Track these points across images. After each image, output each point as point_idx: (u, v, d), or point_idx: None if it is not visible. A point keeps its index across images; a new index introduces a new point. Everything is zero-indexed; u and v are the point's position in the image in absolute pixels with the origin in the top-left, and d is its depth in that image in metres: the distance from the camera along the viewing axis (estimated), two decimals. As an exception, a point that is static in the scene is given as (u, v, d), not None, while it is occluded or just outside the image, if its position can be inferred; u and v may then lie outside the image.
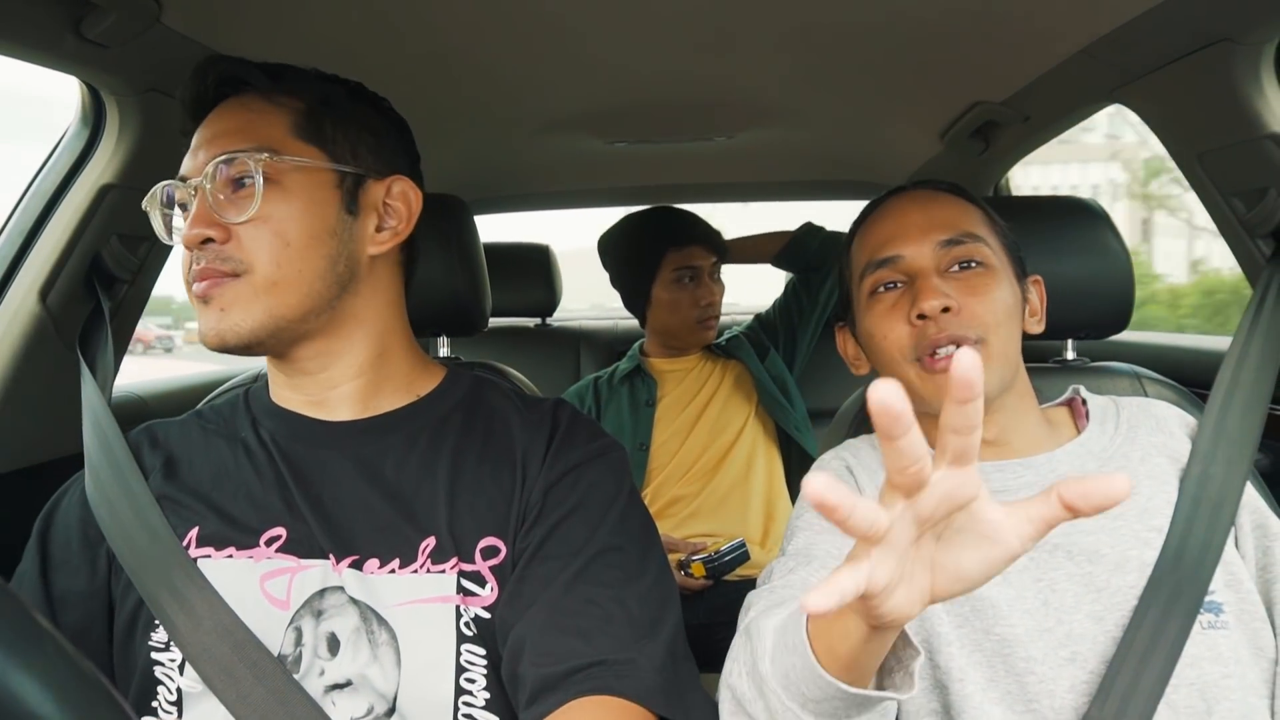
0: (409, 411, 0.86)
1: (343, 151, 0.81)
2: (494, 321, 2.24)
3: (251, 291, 0.76)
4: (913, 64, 1.32)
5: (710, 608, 1.58)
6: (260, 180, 0.75)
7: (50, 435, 1.16)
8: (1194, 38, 1.08)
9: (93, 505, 0.81)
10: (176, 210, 0.82)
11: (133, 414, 1.41)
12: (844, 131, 1.80)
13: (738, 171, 2.24)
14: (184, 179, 0.79)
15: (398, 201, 0.85)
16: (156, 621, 0.75)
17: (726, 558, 1.60)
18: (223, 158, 0.76)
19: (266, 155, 0.76)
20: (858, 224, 0.96)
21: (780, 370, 1.89)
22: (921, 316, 0.83)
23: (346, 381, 0.84)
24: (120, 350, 1.28)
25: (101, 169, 1.13)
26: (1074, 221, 1.08)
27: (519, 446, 0.83)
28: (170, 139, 1.15)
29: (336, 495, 0.80)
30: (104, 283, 1.17)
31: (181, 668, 0.74)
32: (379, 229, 0.83)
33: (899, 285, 0.87)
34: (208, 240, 0.75)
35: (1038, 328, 0.92)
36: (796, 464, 1.86)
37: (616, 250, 1.94)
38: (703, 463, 1.81)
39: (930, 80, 1.41)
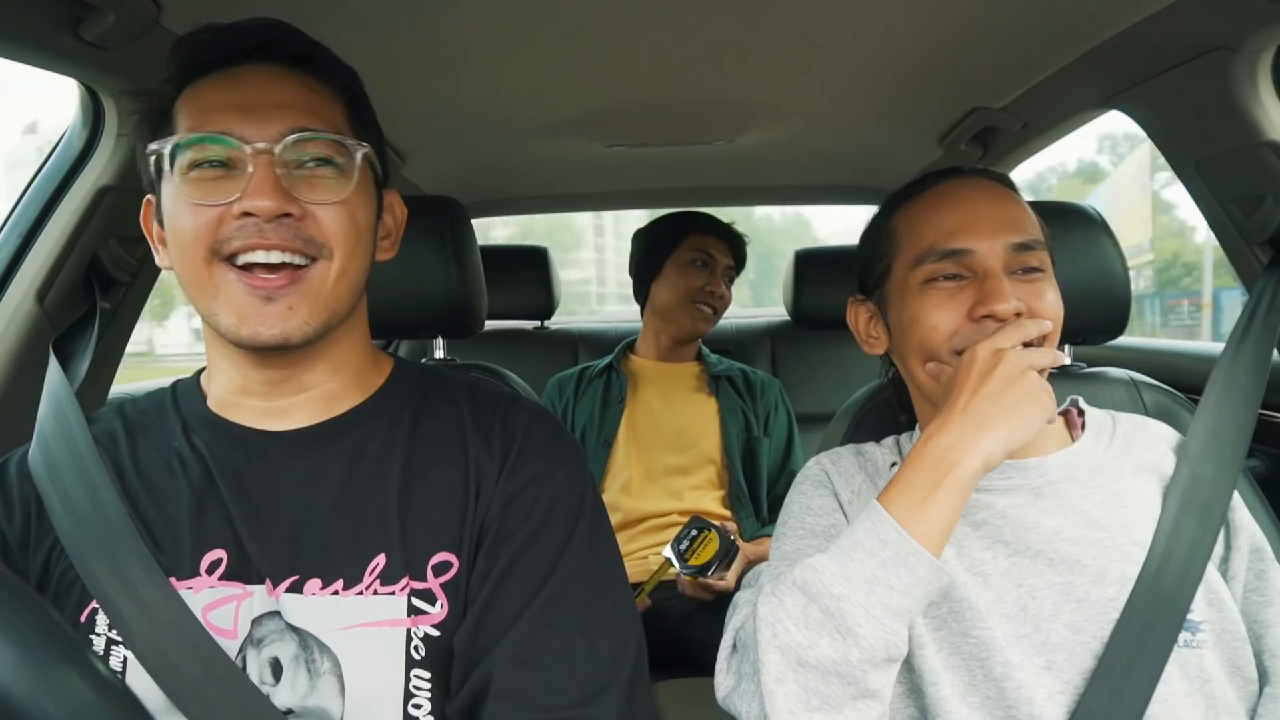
0: (358, 414, 0.80)
1: (377, 153, 0.79)
2: (492, 324, 2.25)
3: (323, 282, 0.72)
4: (911, 70, 1.33)
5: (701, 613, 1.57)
6: (358, 164, 0.74)
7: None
8: (1191, 45, 1.08)
9: (32, 466, 0.77)
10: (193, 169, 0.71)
11: None
12: (842, 136, 1.80)
13: (737, 175, 2.24)
14: (239, 138, 0.70)
15: (389, 215, 0.84)
16: (94, 606, 0.71)
17: (700, 551, 1.55)
18: (304, 133, 0.71)
19: (366, 148, 0.75)
20: (904, 199, 0.92)
21: (757, 450, 1.85)
22: (987, 316, 0.81)
23: (319, 385, 0.79)
24: (118, 350, 1.28)
25: (100, 170, 1.13)
26: (1070, 227, 1.08)
27: (471, 456, 0.78)
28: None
29: (275, 512, 0.74)
30: (102, 285, 1.17)
31: (107, 649, 0.69)
32: (383, 236, 0.83)
33: (961, 278, 0.85)
34: (285, 214, 0.70)
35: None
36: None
37: (645, 233, 1.99)
38: (665, 470, 1.81)
39: (929, 86, 1.41)
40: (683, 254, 1.88)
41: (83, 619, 0.71)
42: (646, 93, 1.46)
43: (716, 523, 1.58)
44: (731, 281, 1.94)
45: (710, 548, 1.53)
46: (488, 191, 2.26)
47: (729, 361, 1.98)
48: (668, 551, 1.54)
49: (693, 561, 1.52)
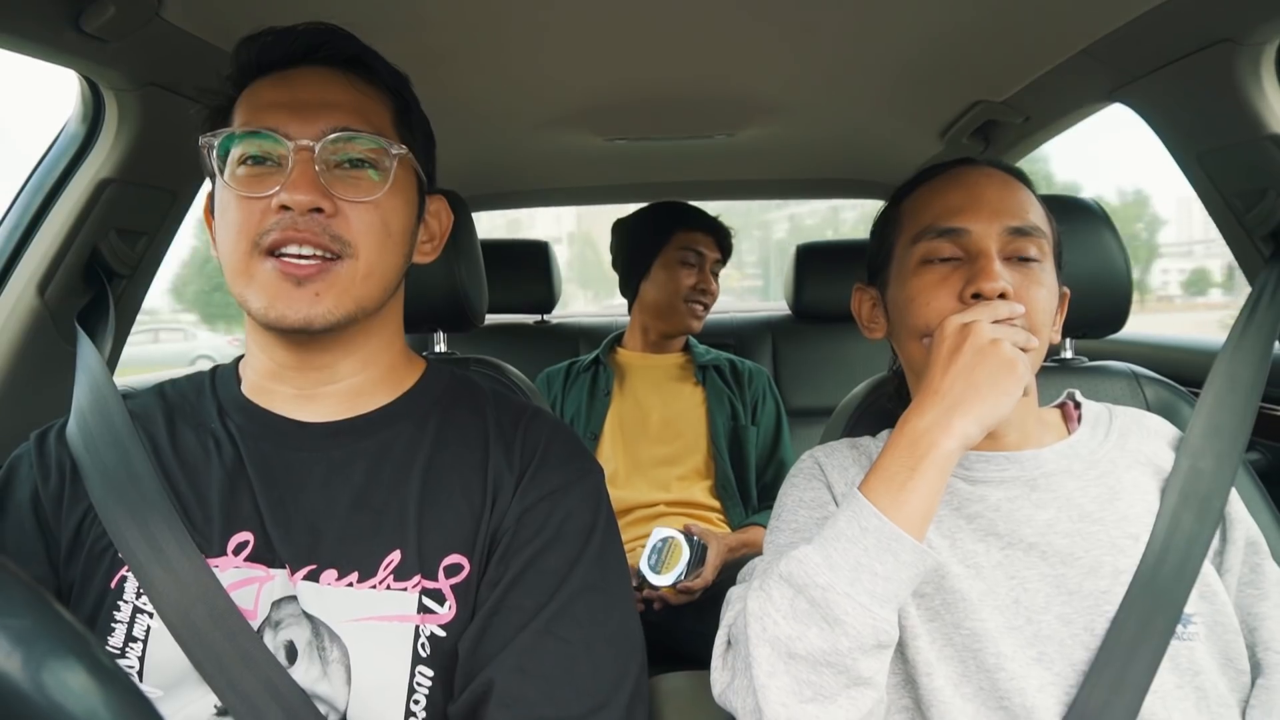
0: (386, 414, 0.83)
1: (421, 158, 0.83)
2: (493, 318, 2.24)
3: (350, 278, 0.75)
4: (913, 63, 1.32)
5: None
6: (394, 166, 0.77)
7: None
8: (1195, 38, 1.08)
9: (69, 437, 0.79)
10: (240, 165, 0.75)
11: None
12: (844, 130, 1.80)
13: (738, 169, 2.24)
14: (284, 135, 0.73)
15: (434, 220, 0.89)
16: (123, 574, 0.72)
17: (670, 563, 1.56)
18: (345, 133, 0.74)
19: (403, 150, 0.78)
20: (914, 185, 0.93)
21: (745, 439, 1.84)
22: (976, 296, 0.81)
23: (348, 377, 0.82)
24: (118, 344, 1.28)
25: (100, 163, 1.13)
26: (1073, 221, 1.08)
27: (491, 464, 0.80)
28: (169, 133, 1.16)
29: (299, 501, 0.76)
30: (104, 277, 1.17)
31: (133, 617, 0.71)
32: (424, 240, 0.87)
33: (954, 260, 0.85)
34: (317, 209, 0.73)
35: (1056, 336, 0.90)
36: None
37: (629, 227, 1.97)
38: (652, 460, 1.81)
39: (931, 79, 1.41)
40: (670, 253, 1.86)
41: (112, 585, 0.73)
42: (648, 87, 1.45)
43: (679, 528, 1.59)
44: (719, 273, 1.93)
45: (677, 554, 1.56)
46: (488, 185, 2.25)
47: (716, 351, 1.97)
48: (642, 566, 1.55)
49: (664, 571, 1.54)
